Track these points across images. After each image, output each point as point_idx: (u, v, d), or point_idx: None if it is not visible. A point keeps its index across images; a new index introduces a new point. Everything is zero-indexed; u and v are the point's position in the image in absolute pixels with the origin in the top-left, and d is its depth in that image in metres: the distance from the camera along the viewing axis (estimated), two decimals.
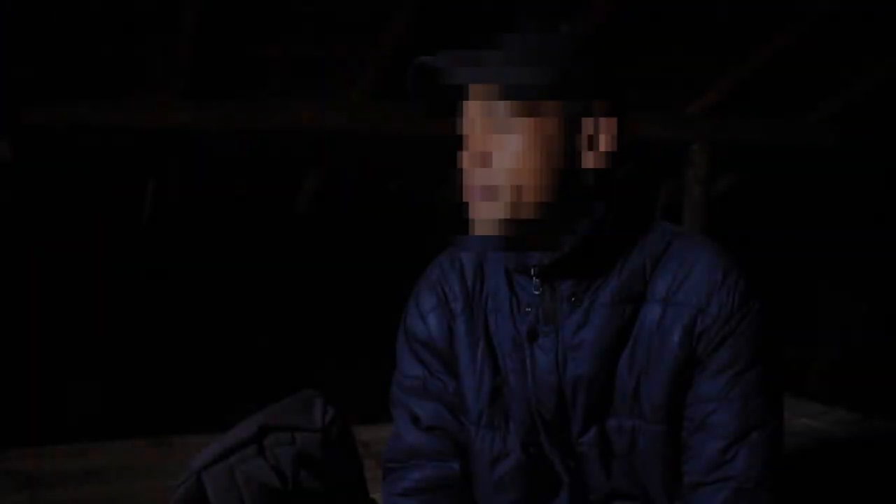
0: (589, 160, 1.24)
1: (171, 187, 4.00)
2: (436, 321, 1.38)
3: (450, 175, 1.28)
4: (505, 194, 1.21)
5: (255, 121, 3.31)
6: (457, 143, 1.27)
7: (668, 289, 1.27)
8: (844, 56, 3.83)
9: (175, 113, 3.21)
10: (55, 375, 4.54)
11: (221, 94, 3.28)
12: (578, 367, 1.27)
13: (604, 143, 1.23)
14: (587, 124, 1.23)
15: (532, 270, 1.28)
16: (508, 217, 1.21)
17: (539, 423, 1.31)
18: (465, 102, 1.24)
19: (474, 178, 1.22)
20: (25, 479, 2.67)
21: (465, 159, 1.24)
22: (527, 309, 1.30)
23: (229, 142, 3.66)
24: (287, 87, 3.38)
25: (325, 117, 3.38)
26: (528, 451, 1.34)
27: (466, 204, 1.24)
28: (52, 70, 3.05)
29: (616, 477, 1.33)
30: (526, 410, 1.32)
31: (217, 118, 3.24)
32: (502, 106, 1.21)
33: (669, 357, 1.25)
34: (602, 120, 1.23)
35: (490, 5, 3.01)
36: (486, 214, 1.22)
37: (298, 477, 1.30)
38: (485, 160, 1.22)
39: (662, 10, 3.37)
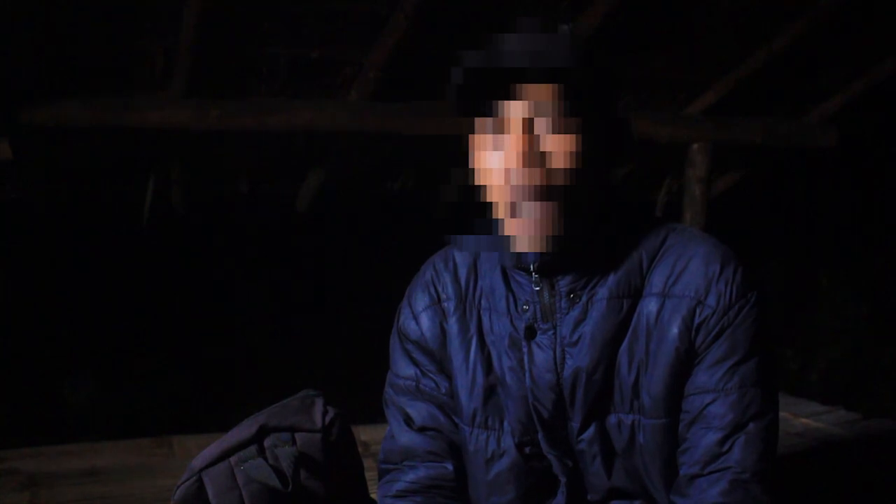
0: (614, 160, 1.26)
1: (172, 187, 3.99)
2: (428, 321, 1.39)
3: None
4: (546, 194, 1.20)
5: (255, 121, 3.31)
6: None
7: (665, 283, 1.27)
8: (844, 56, 3.83)
9: (175, 113, 3.21)
10: (55, 375, 4.54)
11: (221, 94, 3.28)
12: (577, 362, 1.28)
13: (623, 142, 1.25)
14: (614, 124, 1.25)
15: (532, 267, 1.28)
16: (547, 217, 1.21)
17: (536, 421, 1.32)
18: (511, 103, 1.21)
19: (527, 178, 1.20)
20: (25, 479, 2.67)
21: (516, 159, 1.21)
22: (524, 307, 1.31)
23: (229, 142, 3.66)
24: (287, 87, 3.38)
25: (325, 117, 3.38)
26: (524, 450, 1.34)
27: (495, 204, 1.23)
28: (52, 70, 3.05)
29: (616, 475, 1.33)
30: (523, 409, 1.32)
31: (217, 118, 3.24)
32: (561, 105, 1.20)
33: (669, 350, 1.26)
34: (625, 119, 1.25)
35: (489, 5, 3.01)
36: (526, 215, 1.21)
37: (298, 477, 1.30)
38: (526, 161, 1.20)
39: (662, 9, 3.37)
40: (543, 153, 1.20)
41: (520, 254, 1.27)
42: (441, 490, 1.37)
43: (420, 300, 1.40)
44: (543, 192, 1.20)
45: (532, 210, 1.21)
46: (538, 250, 1.24)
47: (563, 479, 1.34)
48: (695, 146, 3.95)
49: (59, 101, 3.07)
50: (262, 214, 4.86)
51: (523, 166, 1.21)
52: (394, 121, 3.40)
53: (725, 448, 1.24)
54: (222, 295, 5.22)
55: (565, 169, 1.20)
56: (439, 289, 1.39)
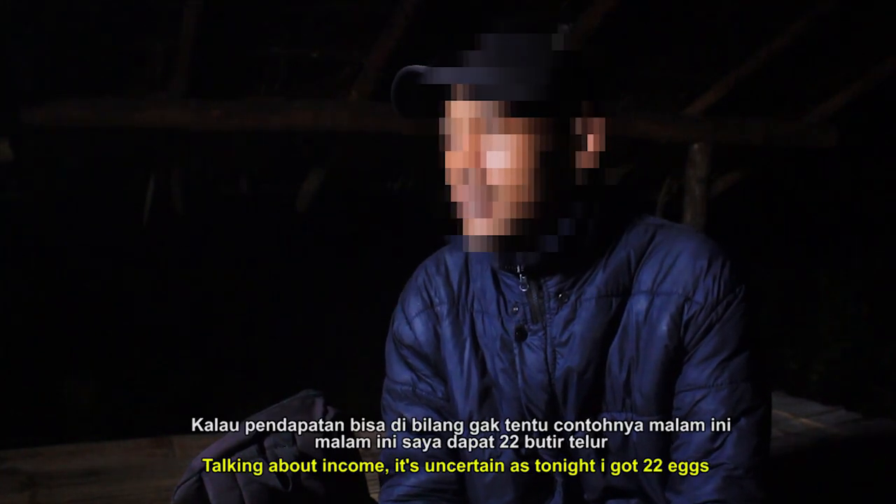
0: (579, 160, 1.24)
1: (172, 187, 3.99)
2: (422, 325, 1.39)
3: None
4: (500, 194, 1.21)
5: (255, 121, 3.31)
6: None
7: (653, 280, 1.28)
8: (844, 56, 3.83)
9: (175, 113, 3.21)
10: (55, 375, 4.54)
11: (221, 94, 3.28)
12: (568, 362, 1.28)
13: (592, 144, 1.24)
14: (577, 124, 1.24)
15: (518, 268, 1.29)
16: (504, 217, 1.22)
17: (531, 422, 1.32)
18: (451, 103, 1.24)
19: (467, 178, 1.22)
20: (25, 479, 2.67)
21: (456, 159, 1.23)
22: (514, 309, 1.31)
23: (229, 142, 3.66)
24: (287, 87, 3.38)
25: (325, 117, 3.38)
26: (520, 451, 1.34)
27: (457, 204, 1.24)
28: (52, 70, 3.05)
29: (611, 473, 1.33)
30: (517, 410, 1.32)
31: (217, 118, 3.24)
32: (495, 107, 1.21)
33: (659, 347, 1.26)
34: (590, 120, 1.24)
35: (489, 6, 3.01)
36: (482, 214, 1.22)
37: (298, 477, 1.30)
38: (478, 160, 1.22)
39: (662, 9, 3.37)
40: (484, 153, 1.21)
41: (505, 255, 1.27)
42: (443, 493, 1.37)
43: (413, 305, 1.41)
44: (484, 193, 1.21)
45: (473, 210, 1.22)
46: (486, 250, 1.25)
47: (559, 480, 1.34)
48: (695, 146, 3.95)
49: (59, 101, 3.07)
50: (262, 214, 4.86)
51: (464, 166, 1.22)
52: (394, 121, 3.39)
53: (717, 444, 1.24)
54: (222, 295, 5.22)
55: (509, 169, 1.20)
56: (432, 293, 1.40)
